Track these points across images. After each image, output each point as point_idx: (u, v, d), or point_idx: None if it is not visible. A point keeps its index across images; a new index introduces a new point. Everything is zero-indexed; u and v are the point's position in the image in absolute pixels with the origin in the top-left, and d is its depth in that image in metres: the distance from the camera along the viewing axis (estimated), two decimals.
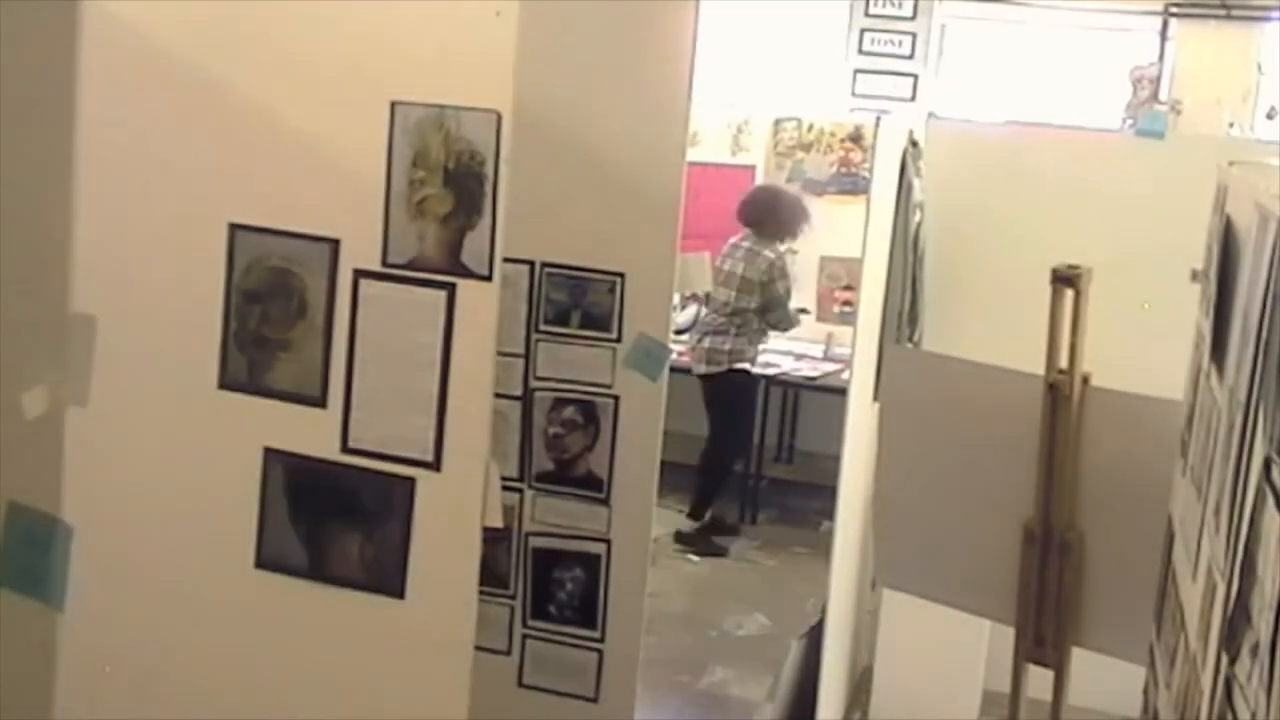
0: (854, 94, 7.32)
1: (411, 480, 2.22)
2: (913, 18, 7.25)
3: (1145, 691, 2.41)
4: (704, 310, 6.29)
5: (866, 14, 7.31)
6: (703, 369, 6.04)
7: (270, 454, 2.29)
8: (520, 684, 3.43)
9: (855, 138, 6.90)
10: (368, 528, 2.25)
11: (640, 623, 3.37)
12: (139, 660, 2.39)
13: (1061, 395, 2.88)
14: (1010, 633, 3.07)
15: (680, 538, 6.12)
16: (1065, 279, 2.90)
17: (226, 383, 2.31)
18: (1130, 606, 2.65)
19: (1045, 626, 2.96)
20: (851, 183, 6.79)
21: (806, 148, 6.99)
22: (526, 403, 3.35)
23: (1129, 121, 6.80)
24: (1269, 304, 1.47)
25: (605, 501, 3.32)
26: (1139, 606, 2.47)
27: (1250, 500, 1.39)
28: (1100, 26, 7.30)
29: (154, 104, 2.30)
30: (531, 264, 3.27)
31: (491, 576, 2.98)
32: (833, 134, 6.98)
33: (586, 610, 3.36)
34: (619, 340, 3.25)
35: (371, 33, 2.20)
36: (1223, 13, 6.92)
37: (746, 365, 6.11)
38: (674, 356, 3.40)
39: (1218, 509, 1.67)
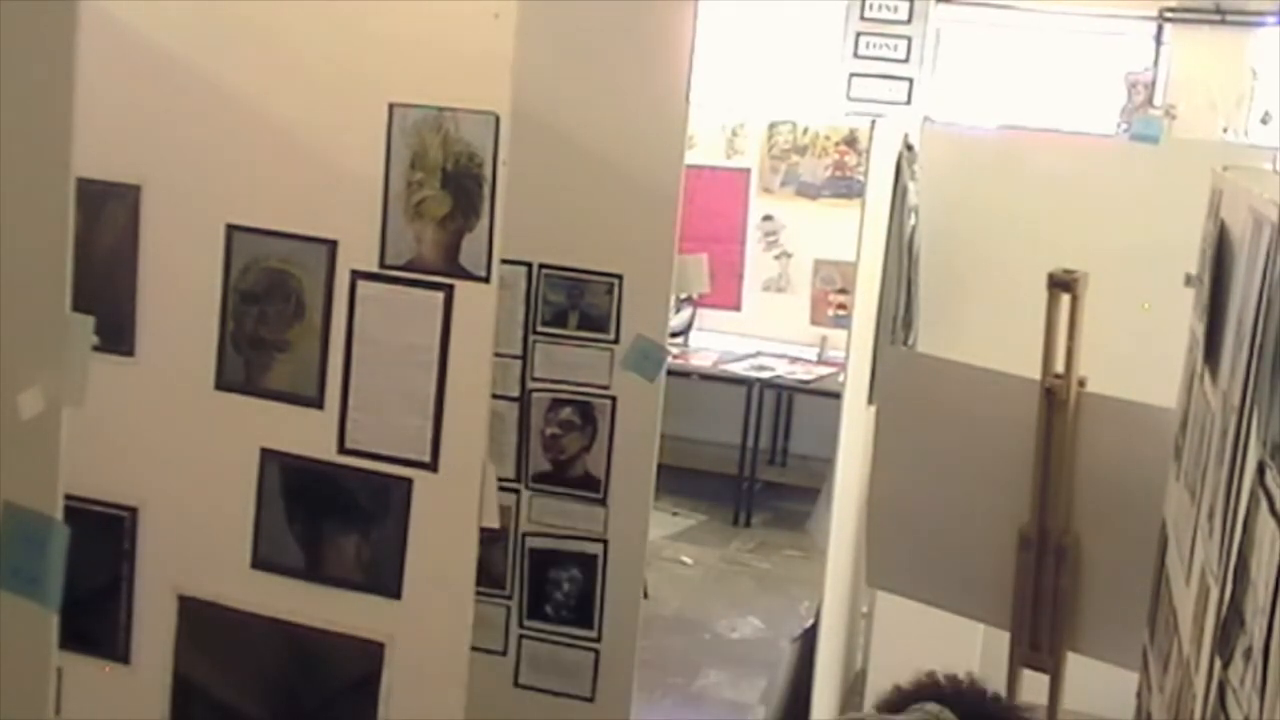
0: (849, 97, 7.31)
1: (408, 481, 2.22)
2: (908, 21, 7.25)
3: (1138, 695, 2.42)
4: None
5: (862, 17, 7.30)
6: None
7: (267, 454, 2.29)
8: (517, 684, 3.43)
9: (850, 141, 6.90)
10: (364, 528, 2.26)
11: (637, 623, 3.38)
12: (139, 661, 2.40)
13: (1057, 400, 2.89)
14: (1004, 636, 3.07)
15: None
16: (1062, 283, 2.91)
17: (223, 383, 2.31)
18: (1126, 612, 2.65)
19: (1041, 631, 2.96)
20: (846, 186, 6.79)
21: (801, 151, 7.00)
22: (524, 404, 3.35)
23: (1124, 126, 6.81)
24: (1263, 308, 1.48)
25: (602, 502, 3.33)
26: (1135, 612, 2.48)
27: (1244, 504, 1.40)
28: (1095, 31, 7.30)
29: (153, 104, 2.31)
30: (529, 265, 3.27)
31: (488, 577, 2.98)
32: (827, 137, 6.99)
33: (583, 610, 3.36)
34: (617, 341, 3.26)
35: (370, 34, 2.20)
36: (1217, 18, 6.92)
37: None
38: (670, 359, 3.40)
39: (1211, 513, 1.68)
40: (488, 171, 2.14)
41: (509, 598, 3.41)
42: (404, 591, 2.24)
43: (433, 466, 2.21)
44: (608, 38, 3.18)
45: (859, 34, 7.32)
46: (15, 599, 1.47)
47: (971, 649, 4.04)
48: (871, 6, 7.29)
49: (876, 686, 4.29)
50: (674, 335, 6.03)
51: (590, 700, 3.38)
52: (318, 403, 2.26)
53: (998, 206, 4.24)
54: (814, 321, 6.88)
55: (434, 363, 2.19)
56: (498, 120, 2.13)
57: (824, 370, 6.61)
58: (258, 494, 2.30)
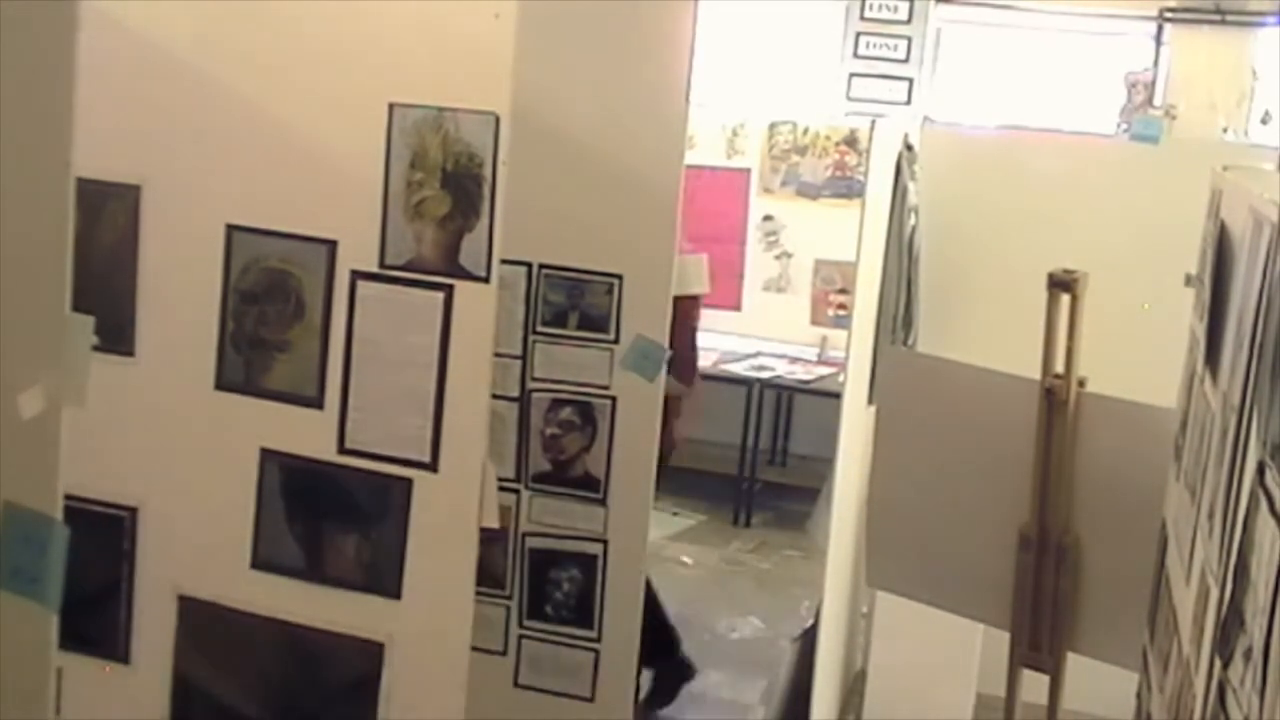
0: (849, 97, 7.32)
1: (408, 481, 2.22)
2: (908, 21, 7.26)
3: (1138, 695, 2.42)
4: None
5: (862, 18, 7.31)
6: None
7: (267, 454, 2.30)
8: (516, 684, 3.43)
9: (850, 141, 6.90)
10: (364, 528, 2.26)
11: (637, 623, 3.38)
12: (139, 661, 2.40)
13: (1057, 400, 2.89)
14: (1004, 636, 3.07)
15: None
16: (1062, 283, 2.91)
17: (223, 383, 2.31)
18: (1126, 612, 2.65)
19: (1041, 631, 2.96)
20: (846, 186, 6.79)
21: (801, 151, 7.00)
22: (524, 404, 3.35)
23: (1124, 126, 6.81)
24: (1263, 308, 1.48)
25: (602, 502, 3.33)
26: (1135, 612, 2.48)
27: (1244, 504, 1.40)
28: (1095, 31, 7.31)
29: (153, 104, 2.31)
30: (529, 265, 3.28)
31: (488, 577, 2.98)
32: (828, 137, 6.99)
33: (583, 610, 3.36)
34: (616, 341, 3.26)
35: (370, 34, 2.21)
36: (1217, 18, 6.93)
37: None
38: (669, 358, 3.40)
39: (1211, 513, 1.68)
40: (488, 171, 2.14)
41: (509, 598, 3.41)
42: (404, 591, 2.24)
43: (433, 466, 2.21)
44: (607, 38, 3.18)
45: (859, 34, 7.33)
46: (15, 599, 1.47)
47: (971, 649, 4.05)
48: (871, 6, 7.29)
49: (877, 686, 4.31)
50: None
51: (590, 700, 3.38)
52: (318, 403, 2.26)
53: (998, 206, 4.24)
54: (814, 321, 6.88)
55: (434, 363, 2.19)
56: (498, 120, 2.13)
57: (824, 370, 6.61)
58: (258, 494, 2.30)
